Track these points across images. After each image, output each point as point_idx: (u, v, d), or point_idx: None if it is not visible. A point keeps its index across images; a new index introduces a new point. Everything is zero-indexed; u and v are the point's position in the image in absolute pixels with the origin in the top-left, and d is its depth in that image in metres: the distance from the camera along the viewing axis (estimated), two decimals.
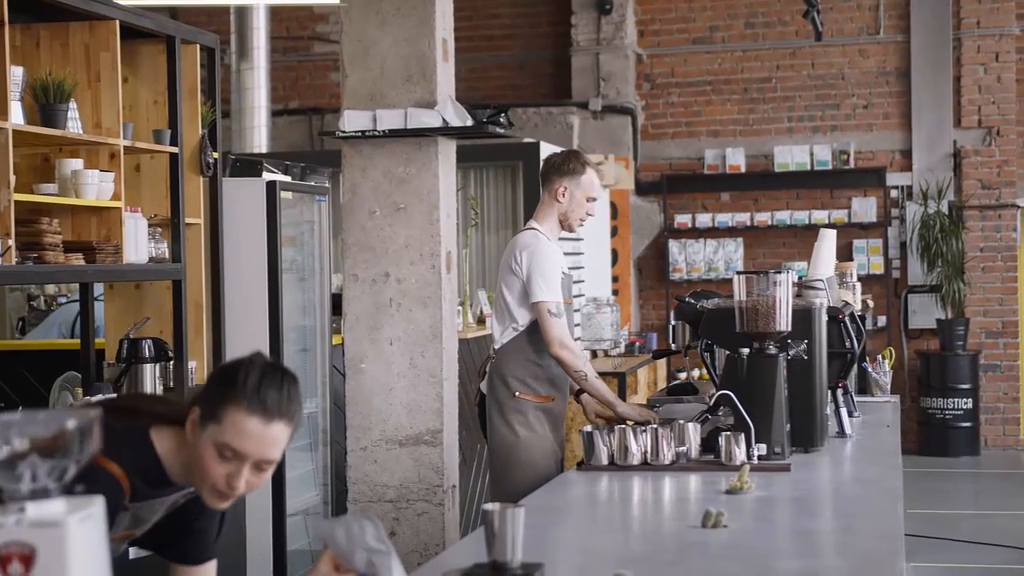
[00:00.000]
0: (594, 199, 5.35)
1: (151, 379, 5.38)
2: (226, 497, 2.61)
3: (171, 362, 5.53)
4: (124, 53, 5.38)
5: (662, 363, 11.47)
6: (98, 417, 1.82)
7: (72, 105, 4.92)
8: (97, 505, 1.79)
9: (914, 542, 8.31)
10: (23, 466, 1.74)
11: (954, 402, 12.17)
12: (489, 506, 2.74)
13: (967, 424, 12.20)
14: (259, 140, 10.69)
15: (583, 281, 10.46)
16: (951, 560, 8.21)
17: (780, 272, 4.42)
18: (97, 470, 2.53)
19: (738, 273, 4.46)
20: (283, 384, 2.61)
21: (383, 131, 5.83)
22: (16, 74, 4.69)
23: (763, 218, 12.72)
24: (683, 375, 12.30)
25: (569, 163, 5.32)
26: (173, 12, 12.82)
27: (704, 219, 12.84)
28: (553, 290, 5.11)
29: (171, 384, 5.56)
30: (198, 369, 5.81)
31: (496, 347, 5.32)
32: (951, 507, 10.15)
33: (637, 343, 11.36)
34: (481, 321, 8.09)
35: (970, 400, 12.19)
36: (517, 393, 5.20)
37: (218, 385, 2.60)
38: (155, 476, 2.65)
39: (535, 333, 5.19)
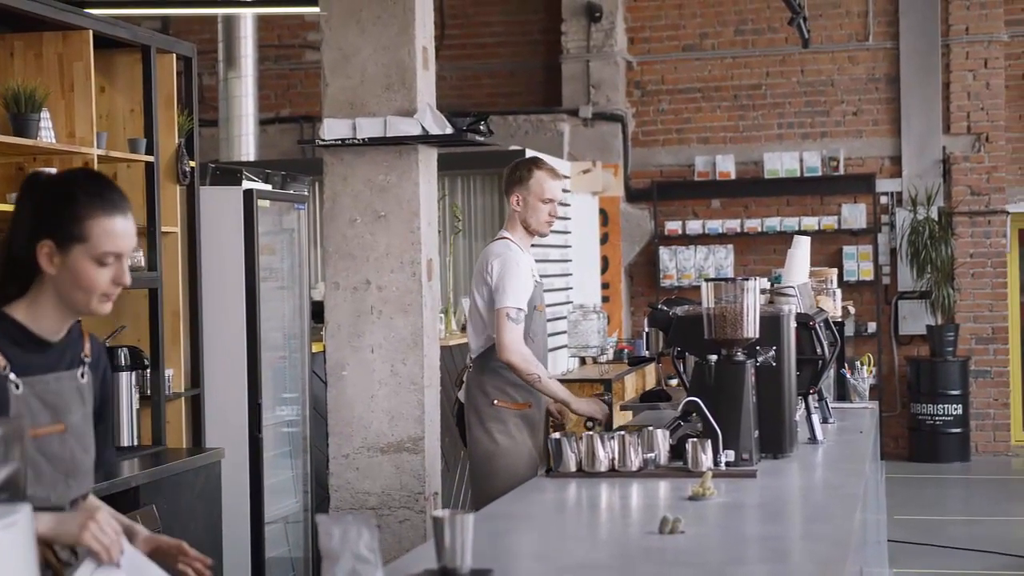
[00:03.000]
0: (550, 200, 5.42)
1: (127, 387, 5.39)
2: (111, 297, 2.73)
3: (147, 370, 5.54)
4: (100, 62, 5.40)
5: (651, 369, 11.48)
6: (25, 426, 1.84)
7: (44, 115, 4.93)
8: (22, 513, 1.81)
9: (900, 548, 8.32)
10: None
11: (944, 408, 12.17)
12: (438, 513, 2.77)
13: (957, 430, 12.21)
14: (246, 148, 10.71)
15: (571, 288, 10.48)
16: (938, 566, 8.22)
17: (748, 279, 4.43)
18: None
19: (706, 280, 4.47)
20: (109, 181, 2.77)
21: (363, 139, 5.84)
22: None
23: (753, 225, 12.74)
24: (674, 382, 12.31)
25: (516, 171, 5.47)
26: (164, 21, 12.87)
27: (694, 226, 12.85)
28: (516, 298, 5.21)
29: (148, 392, 5.57)
30: (175, 377, 5.83)
31: (473, 356, 5.41)
32: (940, 513, 10.16)
33: (626, 350, 11.36)
34: (465, 328, 8.10)
35: (960, 406, 12.19)
36: (496, 401, 5.29)
37: (59, 213, 2.67)
38: (25, 339, 2.70)
39: None
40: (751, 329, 4.38)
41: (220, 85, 11.03)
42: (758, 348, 4.47)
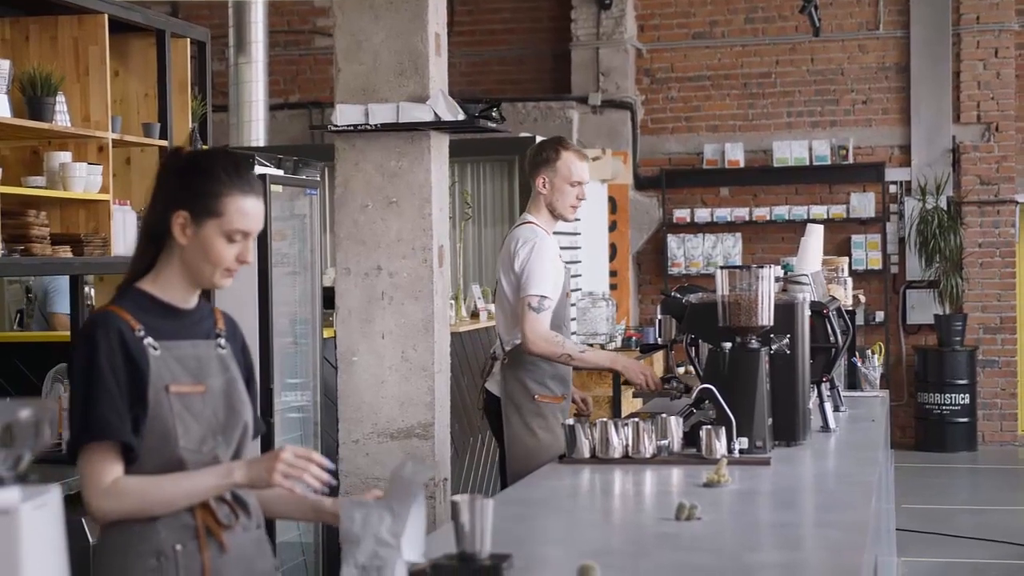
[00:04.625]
0: (578, 183, 5.24)
1: None
2: (232, 273, 2.86)
3: None
4: (115, 47, 5.40)
5: (660, 357, 11.48)
6: (53, 407, 1.85)
7: (60, 98, 4.94)
8: (52, 494, 1.82)
9: (908, 537, 8.33)
10: None
11: (951, 397, 12.18)
12: (457, 498, 2.77)
13: (964, 419, 12.21)
14: (256, 134, 10.70)
15: (580, 275, 10.48)
16: (945, 555, 8.23)
17: (763, 267, 4.43)
18: (96, 315, 2.81)
19: (721, 267, 4.47)
20: (246, 162, 2.89)
21: (375, 125, 5.84)
22: (3, 67, 4.72)
23: (762, 213, 12.73)
24: (681, 370, 12.31)
25: (542, 152, 5.28)
26: (174, 7, 12.87)
27: (703, 214, 12.85)
28: (541, 286, 5.06)
29: None
30: None
31: (507, 348, 5.21)
32: (947, 502, 10.17)
33: (635, 337, 11.37)
34: (475, 315, 8.11)
35: (967, 395, 12.20)
36: (537, 396, 5.13)
37: (198, 188, 2.79)
38: (156, 308, 2.83)
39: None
40: (766, 317, 4.38)
41: (230, 70, 11.02)
42: (772, 336, 4.47)
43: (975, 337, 12.48)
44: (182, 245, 2.80)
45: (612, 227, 12.35)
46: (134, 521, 2.76)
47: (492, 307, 8.34)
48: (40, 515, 1.78)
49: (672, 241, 12.90)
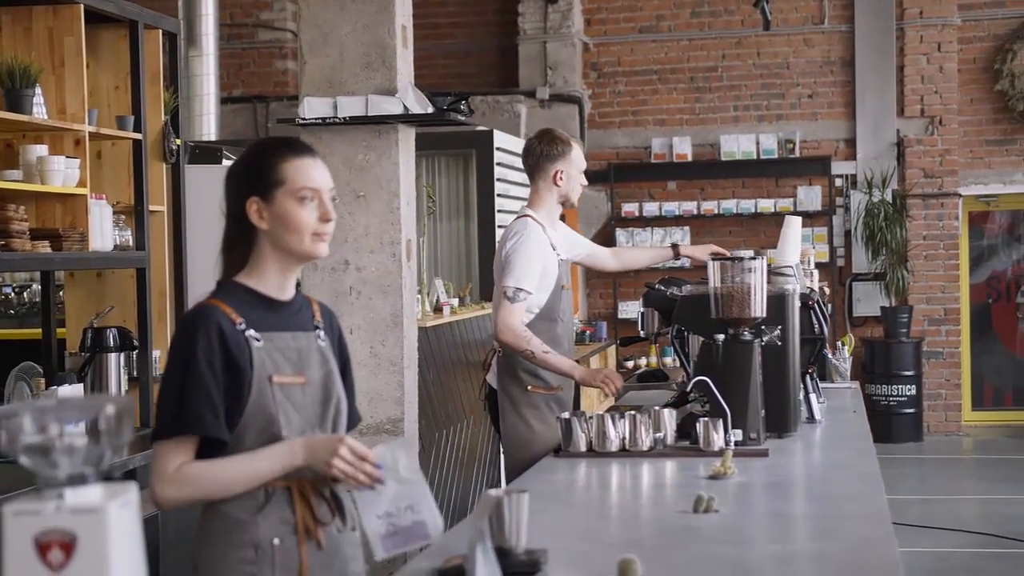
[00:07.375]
0: (583, 170, 5.40)
1: (115, 368, 5.31)
2: (323, 236, 2.85)
3: (135, 351, 5.46)
4: (86, 38, 5.30)
5: (612, 351, 11.53)
6: (132, 404, 1.80)
7: (38, 90, 4.83)
8: (132, 491, 1.77)
9: None
10: (60, 452, 1.72)
11: (898, 388, 12.31)
12: (494, 492, 2.74)
13: (910, 410, 12.35)
14: (208, 128, 10.57)
15: None
16: (904, 545, 8.29)
17: (755, 258, 4.43)
18: (196, 308, 2.84)
19: (713, 259, 4.47)
20: (293, 138, 2.97)
21: (343, 118, 5.79)
22: None
23: (710, 207, 12.78)
24: (630, 363, 12.35)
25: (557, 146, 5.30)
26: None
27: (651, 208, 12.89)
28: (518, 277, 5.03)
29: (135, 374, 5.49)
30: (162, 358, 5.74)
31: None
32: (896, 492, 10.24)
33: (587, 332, 11.40)
34: (438, 310, 8.07)
35: (913, 387, 12.33)
36: (530, 387, 5.13)
37: (256, 169, 2.84)
38: (255, 300, 2.85)
39: (541, 324, 5.11)
40: (758, 308, 4.39)
41: (180, 64, 10.87)
42: (763, 327, 4.47)
43: (920, 329, 12.62)
44: (265, 230, 2.82)
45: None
46: (233, 511, 2.76)
47: (455, 302, 8.32)
48: (124, 512, 1.74)
49: (621, 235, 12.92)
